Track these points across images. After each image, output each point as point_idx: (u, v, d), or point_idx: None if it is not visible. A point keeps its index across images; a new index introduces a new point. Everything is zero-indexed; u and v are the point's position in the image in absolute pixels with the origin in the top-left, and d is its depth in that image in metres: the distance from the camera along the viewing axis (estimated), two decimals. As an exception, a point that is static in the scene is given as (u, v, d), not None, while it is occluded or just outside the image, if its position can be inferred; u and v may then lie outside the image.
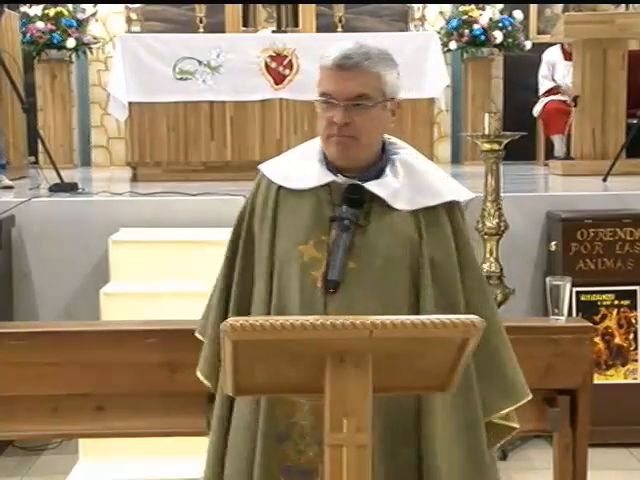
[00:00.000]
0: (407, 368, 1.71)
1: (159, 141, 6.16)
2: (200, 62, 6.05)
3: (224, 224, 4.53)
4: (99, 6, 7.80)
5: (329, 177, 1.99)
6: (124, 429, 3.08)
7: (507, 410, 2.04)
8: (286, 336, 1.61)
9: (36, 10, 7.36)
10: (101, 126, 8.59)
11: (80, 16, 7.54)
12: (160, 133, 6.14)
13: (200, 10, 6.76)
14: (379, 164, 2.00)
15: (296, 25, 7.17)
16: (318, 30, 7.45)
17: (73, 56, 7.82)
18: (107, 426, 3.09)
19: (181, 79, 6.05)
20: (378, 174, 1.99)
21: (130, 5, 7.17)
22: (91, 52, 7.95)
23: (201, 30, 6.75)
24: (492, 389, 2.02)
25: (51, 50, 7.49)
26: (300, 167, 2.04)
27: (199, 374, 2.22)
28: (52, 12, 7.37)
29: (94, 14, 7.76)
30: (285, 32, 6.74)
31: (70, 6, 7.56)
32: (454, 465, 1.99)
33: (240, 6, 7.16)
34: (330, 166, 2.00)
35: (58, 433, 3.45)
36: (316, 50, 6.09)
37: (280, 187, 2.04)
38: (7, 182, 5.54)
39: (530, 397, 2.08)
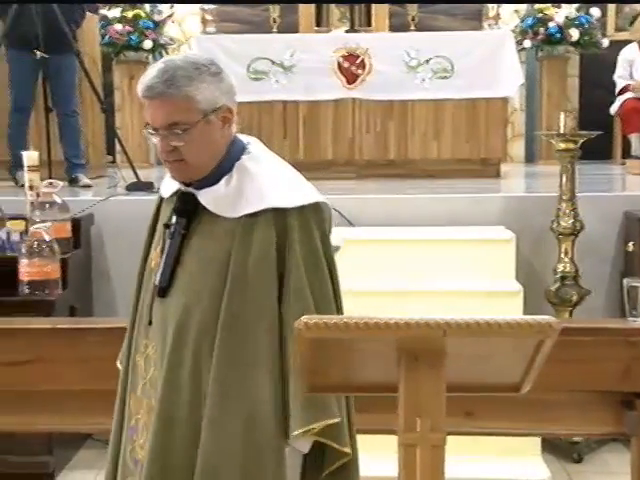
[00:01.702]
0: (481, 368, 1.70)
1: (232, 140, 6.21)
2: (273, 62, 6.10)
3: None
4: (175, 8, 7.91)
5: (176, 186, 2.02)
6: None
7: (297, 432, 1.89)
8: (360, 335, 1.62)
9: (115, 12, 7.51)
10: (176, 126, 8.71)
11: (157, 18, 7.66)
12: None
13: (274, 10, 6.81)
14: (217, 172, 1.96)
15: (369, 25, 7.16)
16: (391, 29, 7.44)
17: (150, 57, 7.95)
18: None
19: (255, 79, 6.10)
20: (214, 182, 1.96)
21: (205, 6, 7.26)
22: (167, 53, 8.07)
23: (275, 30, 6.80)
24: (294, 408, 1.90)
25: (129, 51, 7.63)
26: (168, 177, 2.07)
27: (119, 364, 2.22)
28: (130, 14, 7.51)
29: (170, 16, 7.88)
30: (358, 32, 6.74)
31: (147, 8, 7.69)
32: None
33: (313, 6, 7.18)
34: None
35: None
36: (389, 50, 6.11)
37: (162, 197, 2.11)
38: (86, 181, 5.66)
39: (331, 420, 1.91)
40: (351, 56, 6.12)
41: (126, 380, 2.10)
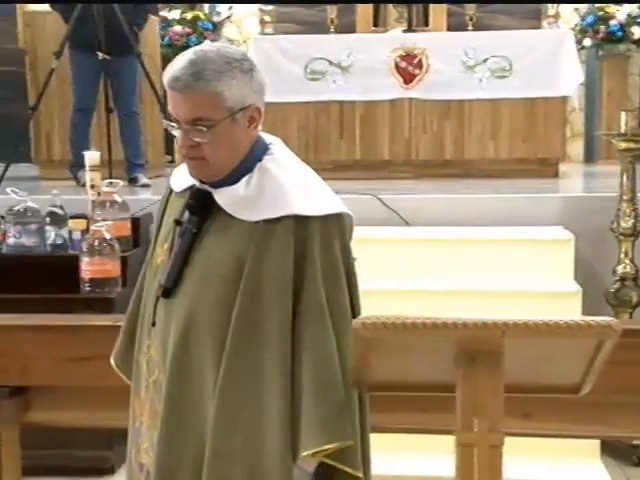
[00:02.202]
0: (539, 369, 1.69)
1: (289, 140, 6.12)
2: (331, 62, 6.11)
3: (354, 222, 4.59)
4: (234, 9, 7.99)
5: (191, 181, 1.92)
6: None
7: (307, 452, 1.80)
8: (417, 335, 1.62)
9: (174, 14, 7.61)
10: (234, 126, 8.79)
11: (216, 19, 7.74)
12: (290, 132, 6.23)
13: (331, 11, 6.82)
14: (237, 172, 1.85)
15: (426, 24, 7.14)
16: (449, 29, 7.40)
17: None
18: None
19: (312, 79, 6.13)
20: (233, 182, 1.86)
21: (264, 7, 7.31)
22: (225, 54, 8.15)
23: (332, 31, 6.82)
24: (302, 428, 1.80)
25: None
26: (182, 171, 1.96)
27: (112, 362, 2.17)
28: (189, 16, 7.60)
29: (229, 17, 7.95)
30: (415, 31, 6.72)
31: (206, 9, 7.77)
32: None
33: (371, 6, 7.18)
34: None
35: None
36: (446, 49, 6.09)
37: (172, 190, 2.01)
38: (145, 181, 5.74)
39: (342, 442, 1.80)
40: (408, 56, 6.11)
41: (133, 384, 2.04)
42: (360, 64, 6.09)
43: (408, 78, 6.13)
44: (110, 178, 4.61)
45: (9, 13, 7.56)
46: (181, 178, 1.95)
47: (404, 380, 1.81)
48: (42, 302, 3.69)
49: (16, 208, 3.94)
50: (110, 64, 5.38)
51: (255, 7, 8.16)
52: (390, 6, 7.22)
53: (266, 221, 1.81)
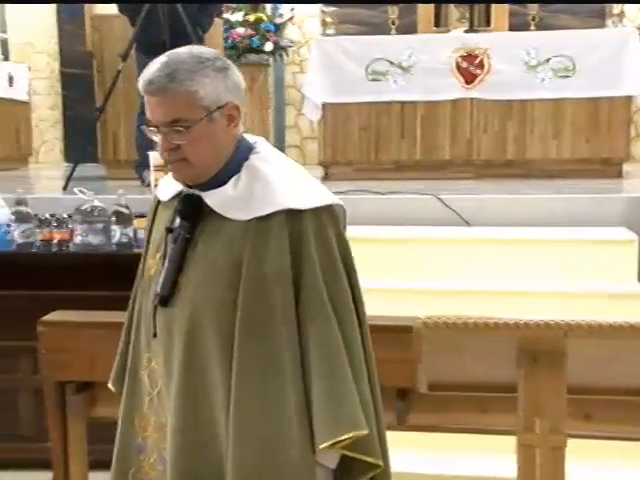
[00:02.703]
0: (602, 370, 1.69)
1: (351, 141, 6.29)
2: (392, 63, 6.13)
3: (414, 222, 4.60)
4: (296, 10, 8.04)
5: (178, 188, 1.89)
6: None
7: (327, 443, 1.77)
8: (478, 334, 1.63)
9: (237, 16, 7.68)
10: (295, 126, 8.86)
11: (278, 21, 7.81)
12: (352, 133, 6.26)
13: (393, 12, 6.83)
14: (223, 173, 1.83)
15: (488, 24, 7.10)
16: (511, 29, 7.35)
17: (270, 59, 8.11)
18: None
19: (373, 80, 6.15)
20: (221, 184, 1.83)
21: (325, 8, 7.35)
22: (287, 55, 8.22)
23: (393, 31, 6.82)
24: (317, 420, 1.79)
25: (250, 54, 7.79)
26: (169, 179, 1.94)
27: (110, 386, 2.14)
28: (252, 18, 7.67)
29: (291, 18, 8.01)
30: (477, 31, 6.70)
31: (269, 11, 7.84)
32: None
33: (432, 7, 7.18)
34: None
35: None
36: (508, 49, 6.06)
37: (160, 201, 1.98)
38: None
39: (357, 432, 1.77)
40: (470, 56, 6.09)
41: (128, 401, 2.00)
42: (421, 64, 6.09)
43: (469, 78, 6.11)
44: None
45: (77, 16, 7.73)
46: (167, 187, 1.94)
47: (464, 380, 1.82)
48: (108, 299, 3.75)
49: (83, 207, 4.02)
50: (175, 66, 5.45)
51: (317, 8, 8.21)
52: (452, 6, 7.21)
53: (259, 219, 1.79)
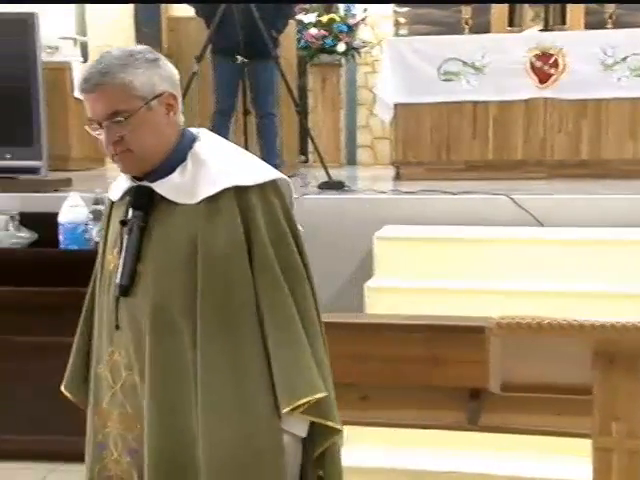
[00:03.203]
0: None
1: (422, 141, 6.28)
2: (465, 63, 6.10)
3: (486, 222, 4.58)
4: (369, 11, 8.07)
5: (128, 184, 1.96)
6: (387, 419, 3.17)
7: (285, 410, 1.83)
8: (552, 335, 1.63)
9: (310, 17, 7.74)
10: (367, 126, 8.88)
11: (351, 21, 7.84)
12: (423, 133, 6.25)
13: (466, 11, 6.79)
14: (168, 162, 1.90)
15: (563, 23, 7.02)
16: (587, 27, 7.25)
17: (343, 60, 8.15)
18: (370, 415, 3.19)
19: (445, 80, 6.13)
20: (168, 172, 1.90)
21: (398, 9, 7.36)
22: (359, 56, 8.25)
23: (466, 31, 6.79)
24: (278, 387, 1.85)
25: (322, 55, 7.84)
26: (119, 180, 2.02)
27: (64, 390, 2.15)
28: (325, 19, 7.73)
29: (364, 19, 8.04)
30: (552, 30, 6.63)
31: (342, 11, 7.88)
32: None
33: (506, 6, 7.12)
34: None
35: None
36: (584, 48, 5.98)
37: (113, 202, 2.04)
38: (280, 180, 5.87)
39: (315, 395, 1.84)
40: (544, 55, 6.03)
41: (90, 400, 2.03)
42: (495, 64, 6.05)
43: (543, 78, 6.05)
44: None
45: (154, 19, 7.86)
46: (117, 187, 2.01)
47: (538, 381, 1.82)
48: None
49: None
50: (249, 67, 5.53)
51: (390, 9, 8.22)
52: (526, 5, 7.14)
53: (208, 199, 1.86)
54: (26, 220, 4.45)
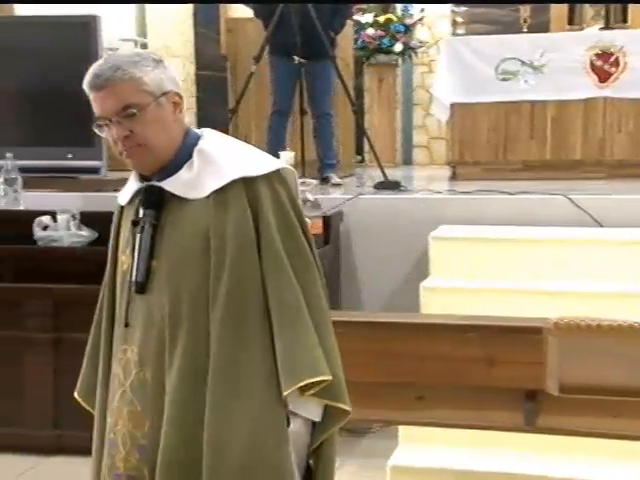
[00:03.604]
0: None
1: (479, 141, 6.25)
2: (523, 62, 6.05)
3: (544, 223, 4.55)
4: (426, 11, 8.05)
5: (137, 186, 1.99)
6: (442, 419, 3.18)
7: (286, 392, 1.84)
8: (612, 336, 1.62)
9: (367, 17, 7.76)
10: (423, 126, 8.86)
11: (408, 21, 7.84)
12: (480, 133, 6.22)
13: (525, 10, 6.75)
14: (175, 161, 1.93)
15: (625, 21, 6.92)
16: (649, 26, 7.15)
17: (399, 60, 8.15)
18: (426, 415, 3.20)
19: (503, 80, 6.09)
20: (176, 170, 1.93)
21: (456, 8, 7.34)
22: (416, 55, 8.24)
23: (525, 30, 6.74)
24: (282, 368, 1.86)
25: (379, 55, 7.85)
26: (127, 184, 2.05)
27: (77, 396, 2.16)
28: (382, 19, 7.74)
29: (421, 19, 8.03)
30: (613, 29, 6.55)
31: (399, 11, 7.88)
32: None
33: (566, 5, 7.05)
34: (137, 175, 2.01)
35: (380, 419, 3.64)
36: (646, 46, 5.89)
37: (123, 206, 2.07)
38: (337, 180, 5.90)
39: (320, 377, 1.85)
40: (604, 54, 5.96)
41: (102, 400, 2.05)
42: (553, 63, 5.99)
43: (603, 77, 5.98)
44: (303, 177, 4.77)
45: (213, 20, 7.96)
46: (126, 191, 2.04)
47: (595, 383, 1.81)
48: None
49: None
50: (306, 68, 5.56)
51: (447, 9, 8.19)
52: (586, 4, 7.07)
53: (217, 192, 1.89)
54: (86, 219, 4.52)
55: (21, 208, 4.80)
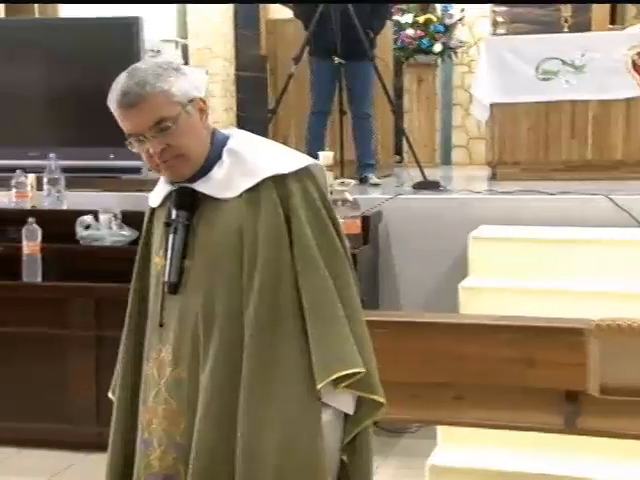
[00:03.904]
0: None
1: (519, 141, 6.21)
2: (564, 62, 6.01)
3: (585, 223, 4.52)
4: (466, 11, 8.03)
5: (167, 189, 2.00)
6: (481, 419, 3.17)
7: (320, 385, 1.85)
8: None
9: (407, 18, 7.75)
10: (462, 127, 8.83)
11: (448, 21, 7.82)
12: (520, 133, 6.19)
13: (566, 10, 6.71)
14: (207, 162, 1.94)
15: (668, 20, 6.87)
16: (693, 23, 7.07)
17: (439, 60, 8.13)
18: (465, 415, 3.20)
19: (543, 79, 6.05)
20: (207, 172, 1.94)
21: (496, 8, 7.31)
22: (456, 56, 8.22)
23: (566, 30, 6.70)
24: (317, 360, 1.86)
25: (419, 55, 7.85)
26: (158, 186, 2.06)
27: (111, 396, 2.16)
28: (422, 19, 7.73)
29: (461, 19, 8.00)
30: (655, 28, 6.50)
31: (439, 12, 7.87)
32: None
33: (608, 5, 6.99)
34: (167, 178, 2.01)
35: (418, 418, 3.64)
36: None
37: (154, 209, 2.08)
38: (375, 180, 5.90)
39: (355, 369, 1.86)
40: (646, 53, 5.91)
41: (128, 408, 2.05)
42: (594, 63, 5.94)
43: (645, 76, 5.92)
44: (342, 177, 4.78)
45: (253, 21, 8.01)
46: (156, 194, 2.06)
47: (637, 384, 1.80)
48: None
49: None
50: (345, 68, 5.57)
51: (487, 9, 8.16)
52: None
53: (248, 191, 1.91)
54: (127, 219, 4.56)
55: (64, 208, 4.86)
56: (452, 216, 4.75)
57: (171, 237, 1.95)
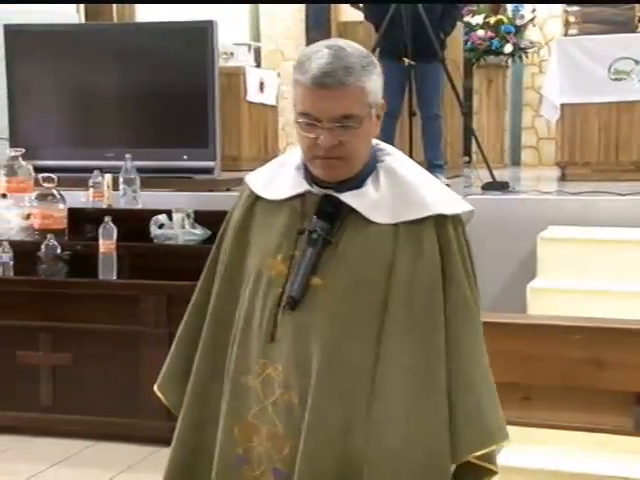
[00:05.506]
0: None
1: (589, 141, 6.16)
2: (637, 62, 5.95)
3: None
4: (537, 11, 7.98)
5: (303, 187, 1.79)
6: (548, 420, 3.17)
7: (478, 453, 1.71)
8: None
9: (477, 19, 7.74)
10: (531, 127, 8.77)
11: (519, 22, 7.79)
12: (590, 133, 6.14)
13: (639, 9, 6.62)
14: (361, 174, 1.75)
15: None
16: None
17: (509, 61, 8.09)
18: (532, 416, 3.20)
19: (615, 79, 6.00)
20: (358, 184, 1.75)
21: (568, 8, 7.26)
22: (527, 56, 8.17)
23: (639, 30, 6.62)
24: (466, 428, 1.71)
25: (489, 56, 7.83)
26: (278, 177, 1.84)
27: (156, 390, 2.06)
28: (492, 20, 7.71)
29: (532, 19, 7.95)
30: None
31: (510, 12, 7.84)
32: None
33: (683, 2, 6.90)
34: (307, 175, 1.80)
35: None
36: None
37: (258, 198, 1.86)
38: (444, 180, 5.89)
39: (506, 442, 1.73)
40: None
41: (229, 409, 1.86)
42: (669, 62, 5.88)
43: None
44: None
45: (324, 24, 8.07)
46: (276, 184, 1.85)
47: None
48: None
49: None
50: (415, 69, 5.59)
51: (559, 9, 8.10)
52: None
53: (408, 223, 1.74)
54: (200, 218, 4.65)
55: (139, 207, 4.98)
56: (521, 217, 4.74)
57: (309, 250, 1.75)
